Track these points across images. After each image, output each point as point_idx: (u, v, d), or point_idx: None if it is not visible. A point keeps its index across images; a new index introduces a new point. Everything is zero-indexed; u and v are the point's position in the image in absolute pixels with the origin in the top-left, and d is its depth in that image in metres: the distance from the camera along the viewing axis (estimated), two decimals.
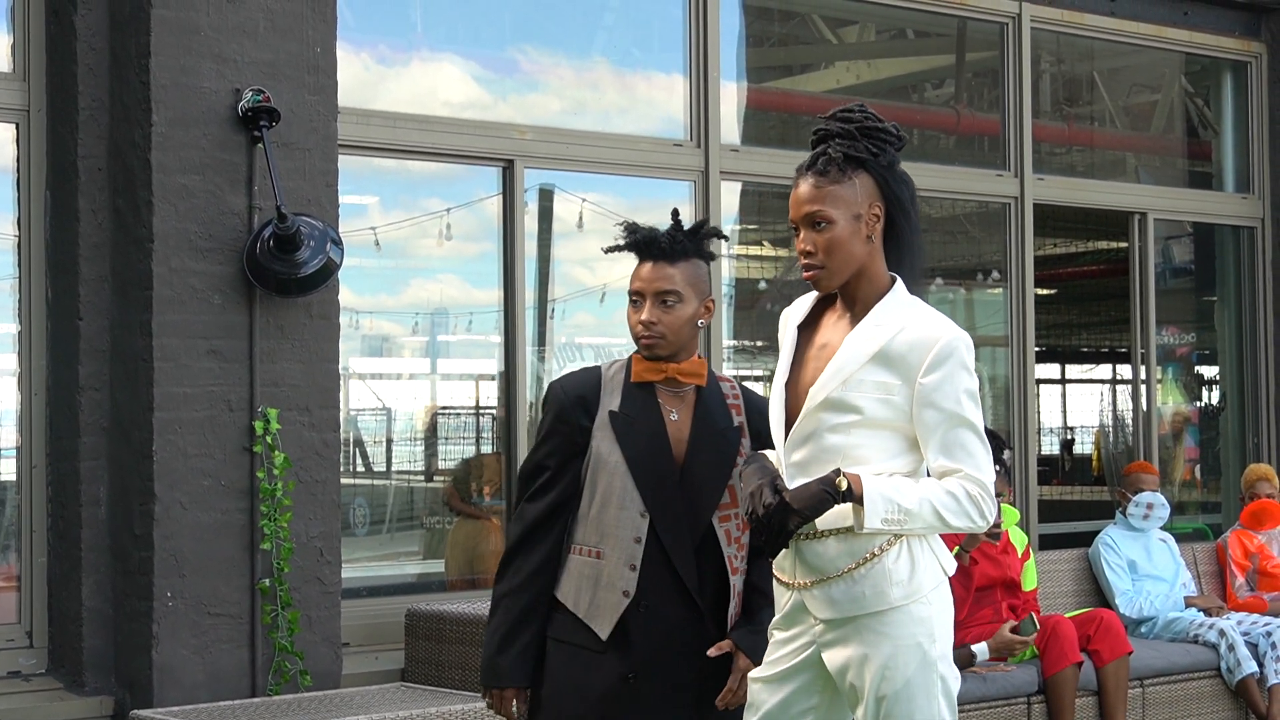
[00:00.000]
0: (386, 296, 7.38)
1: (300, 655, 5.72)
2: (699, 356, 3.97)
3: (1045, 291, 11.68)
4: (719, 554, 3.90)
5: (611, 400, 3.91)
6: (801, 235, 3.53)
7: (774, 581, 3.64)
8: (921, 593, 3.49)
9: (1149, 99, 9.81)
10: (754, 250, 8.69)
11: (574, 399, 3.93)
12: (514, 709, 3.92)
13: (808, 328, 3.65)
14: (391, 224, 7.09)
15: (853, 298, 3.56)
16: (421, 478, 7.50)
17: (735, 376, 8.21)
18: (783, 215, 8.70)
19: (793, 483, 3.46)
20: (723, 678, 3.91)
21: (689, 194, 7.48)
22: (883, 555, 3.47)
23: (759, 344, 8.73)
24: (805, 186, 3.54)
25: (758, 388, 8.68)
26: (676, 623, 3.87)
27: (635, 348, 3.96)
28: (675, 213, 4.03)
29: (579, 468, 3.92)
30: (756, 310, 8.58)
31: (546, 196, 7.31)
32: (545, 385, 6.70)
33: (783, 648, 3.60)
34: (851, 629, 3.49)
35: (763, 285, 8.64)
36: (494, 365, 7.11)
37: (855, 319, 3.54)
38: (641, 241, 3.94)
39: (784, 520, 3.39)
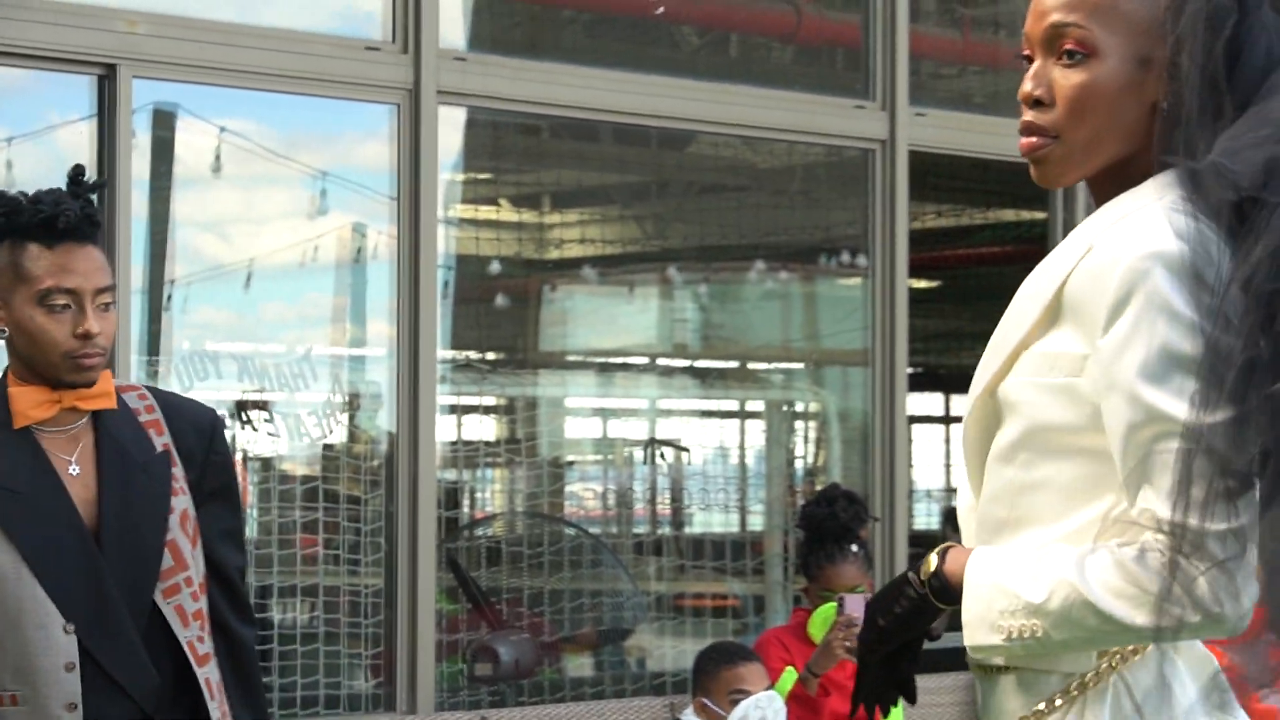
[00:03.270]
0: None
1: None
2: (105, 370, 4.13)
3: (925, 284, 11.93)
4: (175, 645, 4.09)
5: None
6: (1034, 69, 2.93)
7: None
8: None
9: None
10: (485, 213, 8.76)
11: None
12: None
13: None
14: None
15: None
16: None
17: (456, 406, 8.21)
18: (531, 159, 8.79)
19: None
20: None
21: (389, 124, 7.50)
22: (1067, 707, 2.86)
23: (489, 357, 8.79)
24: None
25: (487, 424, 8.78)
26: None
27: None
28: (78, 170, 4.15)
29: None
30: (487, 306, 8.62)
31: (165, 121, 7.31)
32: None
33: None
34: None
35: (496, 267, 8.68)
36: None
37: None
38: (60, 217, 4.02)
39: (864, 636, 2.96)
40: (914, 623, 2.87)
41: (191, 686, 4.12)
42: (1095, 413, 2.72)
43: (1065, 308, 2.76)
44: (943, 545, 2.85)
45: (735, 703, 6.95)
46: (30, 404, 4.05)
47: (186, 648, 4.09)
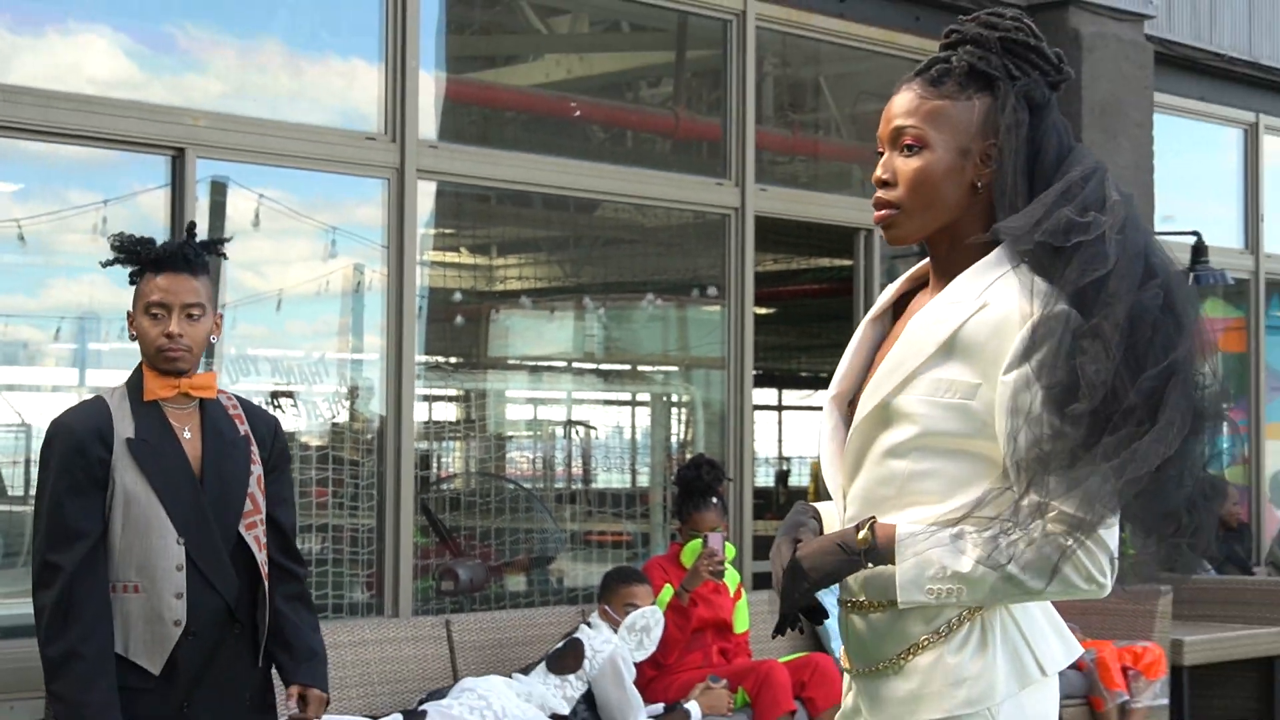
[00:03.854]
0: (29, 298, 7.21)
1: None
2: (211, 371, 4.38)
3: (764, 311, 11.98)
4: (253, 564, 4.24)
5: (125, 427, 4.15)
6: (883, 160, 2.88)
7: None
8: (991, 699, 2.73)
9: (877, 108, 10.16)
10: (450, 257, 8.73)
11: (88, 432, 4.14)
12: None
13: (900, 318, 2.97)
14: (37, 216, 6.94)
15: (945, 270, 2.86)
16: None
17: (428, 396, 8.20)
18: (483, 219, 8.79)
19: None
20: (263, 691, 4.34)
21: (381, 193, 7.49)
22: (944, 641, 2.77)
23: (453, 360, 8.78)
24: (905, 95, 2.88)
25: (451, 409, 8.78)
26: (222, 643, 4.18)
27: (154, 361, 4.24)
28: (191, 225, 4.40)
29: (103, 504, 4.11)
30: (450, 325, 8.61)
31: (219, 190, 7.24)
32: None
33: None
34: None
35: (458, 297, 8.68)
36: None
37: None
38: (160, 253, 4.24)
39: (793, 585, 2.81)
40: (842, 575, 2.80)
41: (257, 595, 4.26)
42: (984, 426, 2.69)
43: (959, 347, 2.71)
44: (867, 519, 2.75)
45: (629, 612, 6.98)
46: (157, 385, 4.22)
47: (261, 566, 4.24)
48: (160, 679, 4.08)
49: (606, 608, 7.03)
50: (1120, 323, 2.60)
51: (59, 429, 4.21)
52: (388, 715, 6.34)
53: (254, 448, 4.32)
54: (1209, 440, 2.67)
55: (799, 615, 2.85)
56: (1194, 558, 2.69)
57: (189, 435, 4.22)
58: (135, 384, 4.24)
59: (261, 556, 4.24)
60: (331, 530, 7.52)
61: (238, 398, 4.44)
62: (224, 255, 4.49)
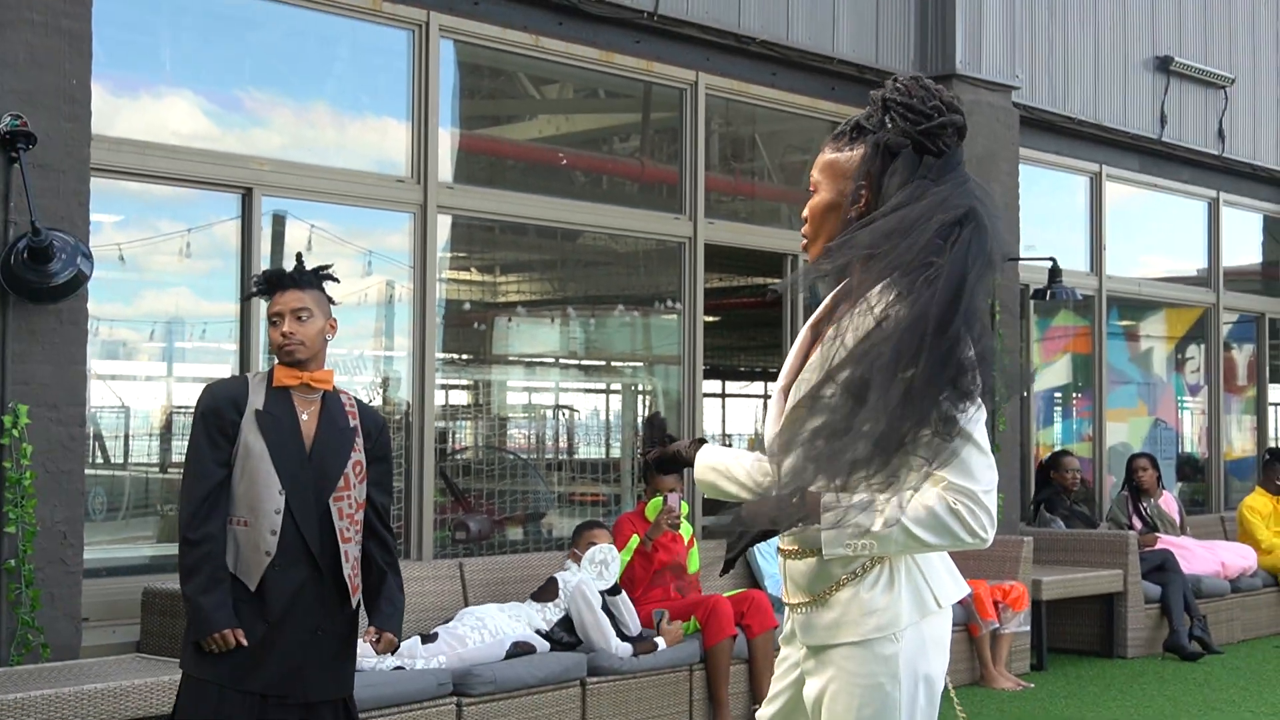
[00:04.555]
0: (128, 306, 7.20)
1: (41, 629, 5.58)
2: (329, 369, 4.35)
3: (711, 319, 12.00)
4: (333, 527, 4.24)
5: (257, 401, 4.24)
6: (808, 202, 2.93)
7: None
8: (896, 625, 2.74)
9: (800, 158, 10.20)
10: (463, 276, 8.73)
11: (226, 399, 4.25)
12: (233, 643, 4.15)
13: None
14: (137, 241, 6.93)
15: (853, 288, 2.80)
16: (157, 469, 7.33)
17: (445, 385, 8.20)
18: (489, 246, 8.80)
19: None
20: (350, 628, 4.34)
21: (409, 224, 7.50)
22: (859, 580, 2.77)
23: (465, 357, 8.78)
24: (821, 152, 2.92)
25: (463, 395, 8.78)
26: (303, 579, 4.20)
27: (278, 359, 4.31)
28: (299, 255, 4.45)
29: (230, 454, 4.20)
30: (463, 328, 8.62)
31: (279, 222, 7.22)
32: None
33: (780, 666, 3.01)
34: (825, 659, 2.80)
35: (468, 307, 8.69)
36: (227, 369, 7.01)
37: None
38: (274, 277, 4.35)
39: (735, 535, 2.83)
40: (778, 532, 2.82)
41: (338, 552, 4.27)
42: None
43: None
44: (799, 488, 2.71)
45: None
46: (285, 376, 4.29)
47: (337, 531, 4.24)
48: (255, 596, 4.15)
49: (575, 550, 7.06)
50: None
51: (205, 393, 4.31)
52: (409, 637, 6.35)
53: (359, 439, 4.34)
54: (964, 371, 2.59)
55: (730, 559, 2.95)
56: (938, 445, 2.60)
57: (306, 417, 4.26)
58: (271, 373, 4.33)
59: (341, 524, 4.24)
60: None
61: (355, 399, 4.45)
62: (335, 278, 4.49)
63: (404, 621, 6.74)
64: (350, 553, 4.28)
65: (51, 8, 5.77)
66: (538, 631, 6.66)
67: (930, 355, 2.54)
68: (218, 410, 4.22)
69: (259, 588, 4.15)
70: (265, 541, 4.15)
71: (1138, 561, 9.76)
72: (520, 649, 6.48)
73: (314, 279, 4.38)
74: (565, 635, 6.73)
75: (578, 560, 6.97)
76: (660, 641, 6.93)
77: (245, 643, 4.13)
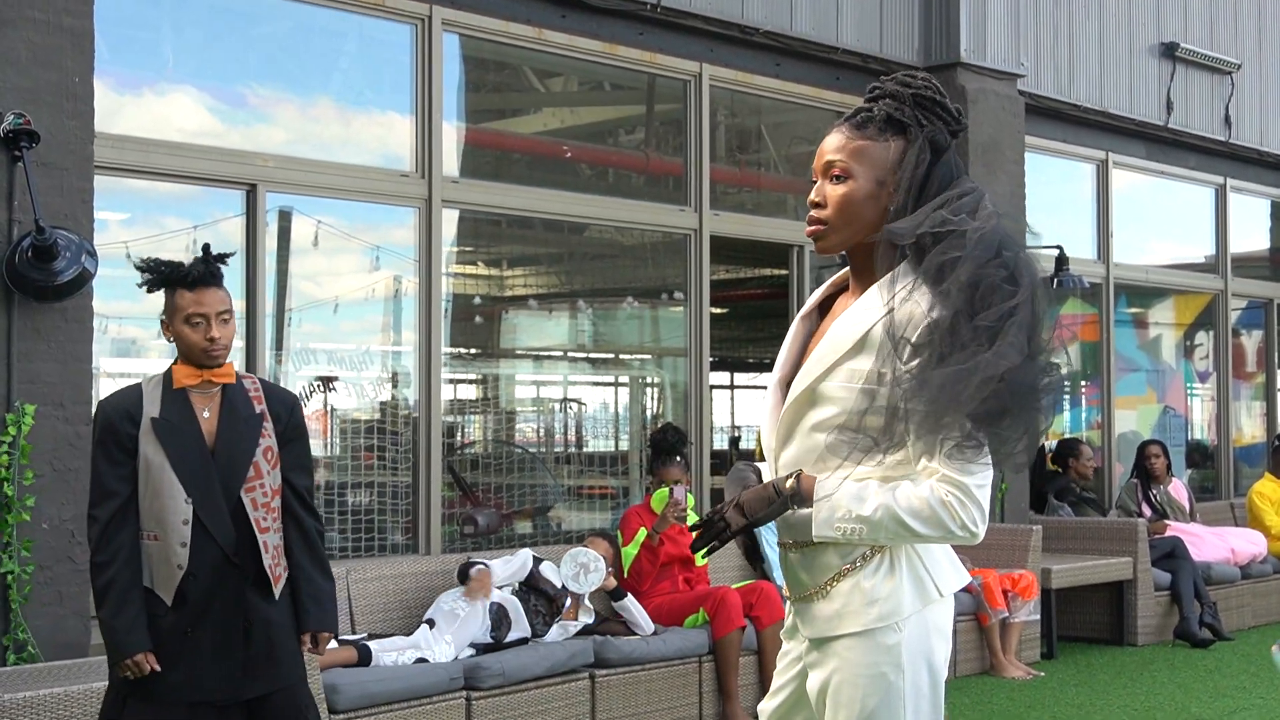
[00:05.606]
0: (134, 303, 7.18)
1: (23, 625, 5.61)
2: (229, 363, 4.23)
3: (718, 310, 11.99)
4: (248, 519, 4.13)
5: (152, 409, 4.12)
6: (816, 187, 2.87)
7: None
8: (899, 615, 2.74)
9: (806, 149, 10.18)
10: (469, 270, 8.72)
11: (120, 412, 4.12)
12: (146, 670, 4.06)
13: (826, 316, 2.96)
14: (142, 238, 6.91)
15: (862, 278, 2.85)
16: None
17: (453, 379, 8.17)
18: (495, 240, 8.78)
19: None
20: (284, 614, 4.22)
21: (414, 219, 7.48)
22: (859, 570, 2.77)
23: (472, 351, 8.77)
24: (835, 136, 2.86)
25: (471, 390, 8.77)
26: (221, 584, 4.10)
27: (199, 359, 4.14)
28: (206, 247, 4.22)
29: (131, 469, 4.09)
30: (470, 323, 8.61)
31: (285, 218, 7.21)
32: (283, 383, 6.66)
33: (782, 660, 3.02)
34: (828, 651, 2.79)
35: (476, 300, 8.67)
36: (236, 366, 6.99)
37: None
38: (195, 273, 4.14)
39: (727, 520, 2.84)
40: (774, 515, 2.80)
41: (257, 545, 4.17)
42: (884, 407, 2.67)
43: (869, 343, 2.71)
44: (795, 471, 2.78)
45: None
46: (184, 375, 4.17)
47: (253, 522, 4.14)
48: (172, 608, 4.06)
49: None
50: (963, 283, 2.60)
51: (98, 410, 4.19)
52: (417, 628, 6.34)
53: (267, 423, 4.21)
54: (1045, 378, 2.67)
55: (710, 544, 2.87)
56: (1013, 454, 2.66)
57: (207, 414, 4.14)
58: (169, 375, 4.19)
59: (257, 514, 4.14)
60: (376, 486, 7.51)
61: (261, 380, 4.34)
62: (225, 264, 4.30)
63: (413, 615, 6.74)
64: (269, 542, 4.17)
65: (53, 5, 5.76)
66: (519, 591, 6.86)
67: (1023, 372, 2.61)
68: (111, 426, 4.09)
69: (175, 600, 4.06)
70: (176, 554, 4.04)
71: (1147, 549, 9.73)
72: (499, 613, 6.62)
73: (221, 275, 4.22)
74: (543, 606, 6.84)
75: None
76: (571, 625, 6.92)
77: (159, 668, 4.03)
